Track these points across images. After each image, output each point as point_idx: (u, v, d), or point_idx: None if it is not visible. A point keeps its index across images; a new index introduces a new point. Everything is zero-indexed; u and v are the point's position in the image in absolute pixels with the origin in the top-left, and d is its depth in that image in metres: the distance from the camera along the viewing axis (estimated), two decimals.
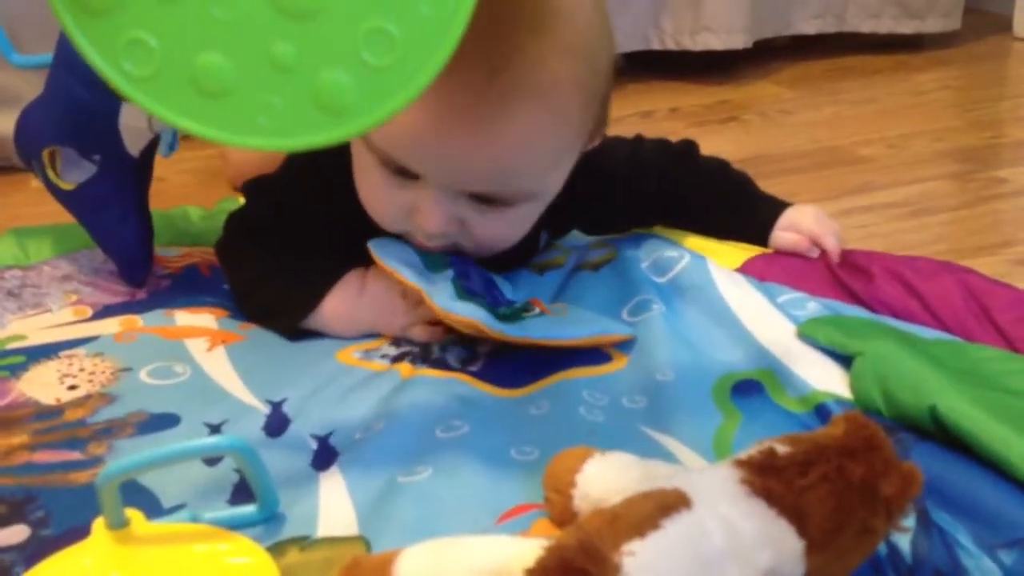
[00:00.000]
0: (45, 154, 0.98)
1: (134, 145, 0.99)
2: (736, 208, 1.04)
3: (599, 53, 0.82)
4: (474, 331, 0.83)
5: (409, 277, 0.84)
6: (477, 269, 0.88)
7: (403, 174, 0.82)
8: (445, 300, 0.82)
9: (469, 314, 0.81)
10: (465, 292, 0.84)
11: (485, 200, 0.83)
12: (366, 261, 0.89)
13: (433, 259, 0.87)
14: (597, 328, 0.85)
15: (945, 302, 0.86)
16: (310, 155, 0.92)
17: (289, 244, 0.92)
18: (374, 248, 0.87)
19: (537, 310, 0.87)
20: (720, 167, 1.06)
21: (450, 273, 0.86)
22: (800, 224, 0.99)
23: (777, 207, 1.02)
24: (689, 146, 1.06)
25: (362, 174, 0.87)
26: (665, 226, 1.06)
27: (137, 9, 0.54)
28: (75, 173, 0.99)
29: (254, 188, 1.00)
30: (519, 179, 0.83)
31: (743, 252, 1.00)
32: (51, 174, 0.99)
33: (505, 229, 0.87)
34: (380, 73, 0.56)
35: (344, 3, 0.55)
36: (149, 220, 1.03)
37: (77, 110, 0.95)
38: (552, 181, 0.86)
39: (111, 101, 0.95)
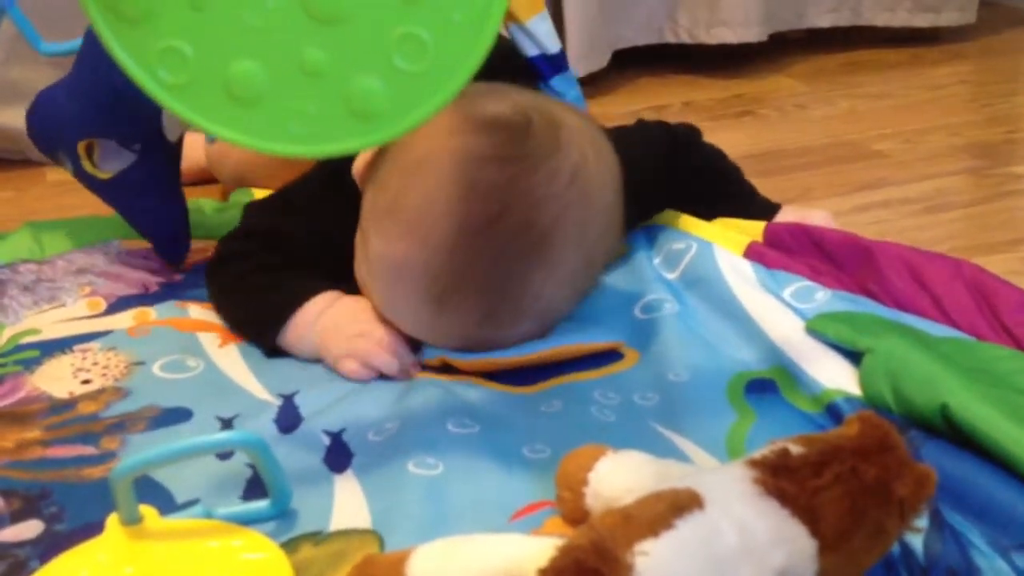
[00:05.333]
0: (81, 146, 0.99)
1: (174, 132, 1.00)
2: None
3: (601, 254, 0.85)
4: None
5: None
6: None
7: None
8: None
9: (439, 353, 0.83)
10: None
11: None
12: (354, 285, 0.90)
13: None
14: (574, 339, 0.85)
15: (956, 301, 0.86)
16: (307, 178, 0.94)
17: (277, 264, 0.91)
18: None
19: None
20: (718, 159, 1.08)
21: None
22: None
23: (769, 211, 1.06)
24: (691, 134, 1.08)
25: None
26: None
27: (171, 17, 0.55)
28: (114, 162, 0.99)
29: (253, 208, 1.00)
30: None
31: (744, 238, 0.99)
32: (87, 165, 0.99)
33: None
34: (412, 79, 0.56)
35: (376, 9, 0.55)
36: (184, 199, 1.05)
37: (119, 102, 0.95)
38: None
39: None
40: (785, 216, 1.04)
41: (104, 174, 0.99)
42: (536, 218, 0.77)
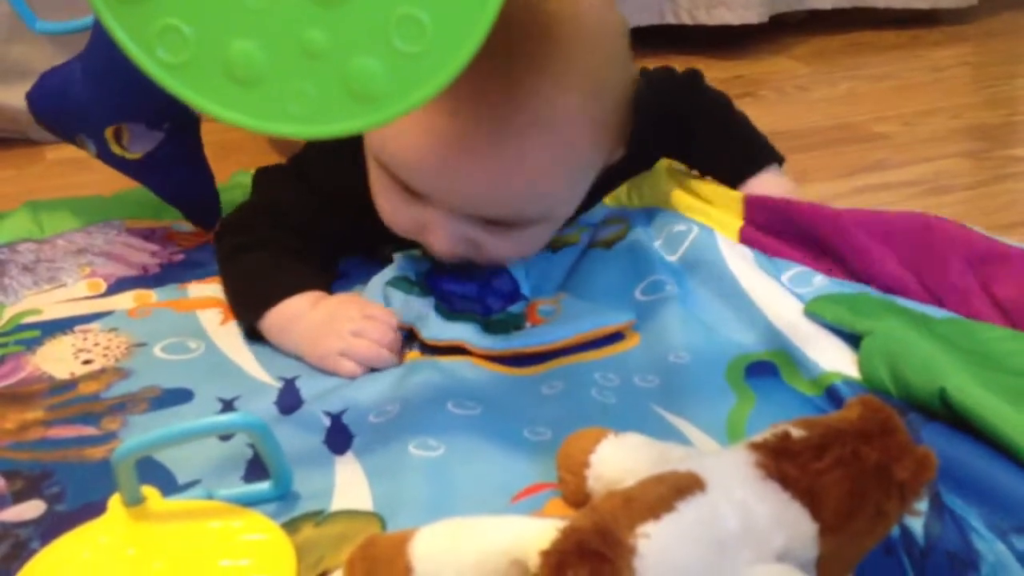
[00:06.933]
0: (109, 131, 0.98)
1: None
2: (725, 150, 1.07)
3: (611, 84, 0.81)
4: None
5: (398, 316, 0.86)
6: (461, 283, 0.89)
7: (414, 193, 0.82)
8: (432, 330, 0.84)
9: (454, 336, 0.83)
10: (451, 313, 0.86)
11: (494, 222, 0.83)
12: (365, 255, 0.91)
13: (412, 288, 0.88)
14: (588, 324, 0.84)
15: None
16: (321, 148, 0.93)
17: (277, 240, 0.90)
18: (363, 292, 0.89)
19: (528, 325, 0.87)
20: (724, 103, 1.09)
21: (432, 300, 0.87)
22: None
23: (759, 161, 1.06)
24: (694, 76, 1.08)
25: (376, 185, 0.86)
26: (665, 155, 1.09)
27: None
28: (144, 143, 0.99)
29: (264, 175, 0.99)
30: (524, 208, 0.82)
31: (736, 221, 0.99)
32: (116, 148, 0.99)
33: (517, 248, 0.87)
34: (411, 60, 0.56)
35: None
36: (209, 166, 1.06)
37: (151, 88, 0.95)
38: (564, 205, 0.87)
39: None
40: (759, 186, 1.05)
41: (134, 155, 1.00)
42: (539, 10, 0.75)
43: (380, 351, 0.82)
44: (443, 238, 0.83)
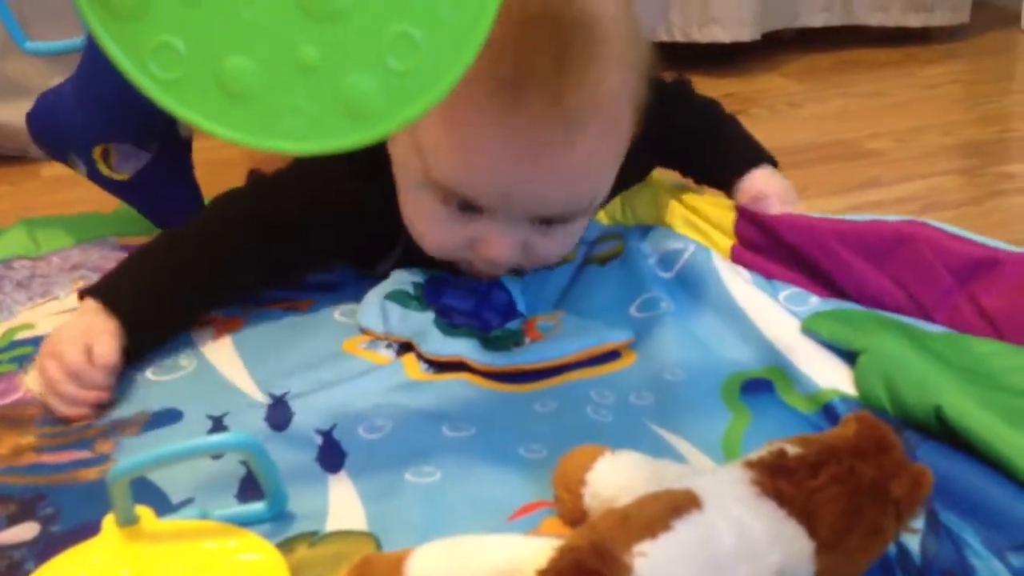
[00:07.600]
0: (97, 151, 0.99)
1: (188, 129, 1.00)
2: (718, 153, 1.08)
3: (642, 59, 0.83)
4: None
5: (394, 332, 0.87)
6: (460, 297, 0.89)
7: (468, 208, 0.82)
8: (433, 345, 0.84)
9: (455, 352, 0.83)
10: (450, 328, 0.86)
11: (547, 221, 0.84)
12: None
13: (410, 301, 0.89)
14: (590, 340, 0.84)
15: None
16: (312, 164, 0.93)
17: (247, 238, 0.90)
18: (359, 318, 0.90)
19: (527, 341, 0.87)
20: (714, 109, 1.12)
21: (431, 315, 0.87)
22: (767, 208, 1.00)
23: (752, 160, 1.06)
24: (683, 84, 1.10)
25: (418, 211, 0.86)
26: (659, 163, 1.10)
27: (164, 13, 0.54)
28: (131, 164, 1.00)
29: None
30: (586, 196, 0.85)
31: (728, 240, 0.99)
32: (103, 169, 0.99)
33: (563, 244, 0.89)
34: (404, 77, 0.56)
35: (369, 7, 0.55)
36: (198, 186, 1.06)
37: (137, 107, 0.96)
38: (605, 189, 0.88)
39: None
40: (753, 182, 1.04)
41: (121, 175, 1.00)
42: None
43: (66, 408, 0.79)
44: (501, 247, 0.83)
